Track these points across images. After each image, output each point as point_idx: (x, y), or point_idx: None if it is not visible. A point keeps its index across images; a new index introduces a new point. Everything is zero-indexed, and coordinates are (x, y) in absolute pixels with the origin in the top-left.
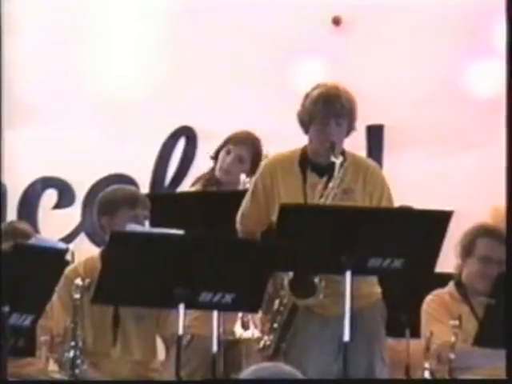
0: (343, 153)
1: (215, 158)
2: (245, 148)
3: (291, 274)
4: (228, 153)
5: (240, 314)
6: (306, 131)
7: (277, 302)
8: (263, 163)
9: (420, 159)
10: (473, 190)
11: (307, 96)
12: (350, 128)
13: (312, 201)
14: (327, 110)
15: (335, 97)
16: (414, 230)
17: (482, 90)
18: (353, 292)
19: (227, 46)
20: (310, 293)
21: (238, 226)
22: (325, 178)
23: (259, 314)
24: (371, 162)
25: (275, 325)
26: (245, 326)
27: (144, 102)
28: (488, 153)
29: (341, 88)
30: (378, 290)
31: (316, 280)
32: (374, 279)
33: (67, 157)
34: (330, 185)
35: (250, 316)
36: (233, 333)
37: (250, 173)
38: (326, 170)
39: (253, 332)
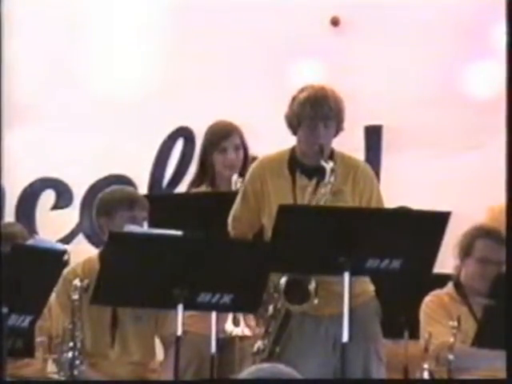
0: (332, 154)
1: (205, 162)
2: (236, 136)
3: (284, 280)
4: (224, 151)
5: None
6: (295, 133)
7: (271, 306)
8: (252, 166)
9: (418, 160)
10: (472, 190)
11: (294, 98)
12: (339, 129)
13: (302, 203)
14: (315, 113)
15: (323, 99)
16: (413, 230)
17: (480, 91)
18: (350, 292)
19: (225, 46)
20: (304, 299)
21: (229, 228)
22: (314, 181)
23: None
24: (360, 162)
25: (270, 329)
26: (236, 323)
27: (142, 103)
28: (487, 154)
29: (328, 90)
30: (370, 288)
31: (310, 287)
32: (366, 278)
33: (65, 157)
34: (322, 191)
35: (241, 314)
36: (223, 331)
37: (245, 160)
38: (315, 173)
39: (243, 329)
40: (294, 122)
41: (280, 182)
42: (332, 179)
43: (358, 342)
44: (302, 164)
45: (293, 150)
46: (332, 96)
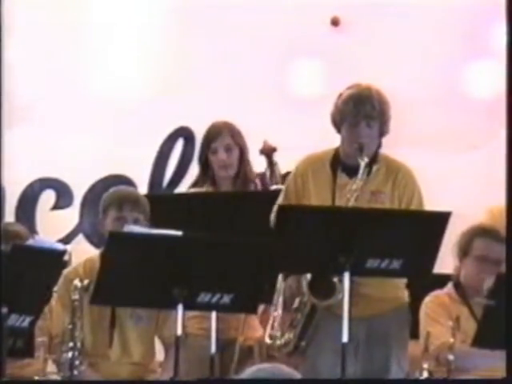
0: (376, 155)
1: (204, 164)
2: (226, 136)
3: (309, 275)
4: (215, 152)
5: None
6: (338, 131)
7: (297, 300)
8: (297, 164)
9: (419, 160)
10: (472, 190)
11: (340, 96)
12: (383, 131)
13: (340, 201)
14: (357, 111)
15: (366, 98)
16: (413, 230)
17: (481, 91)
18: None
19: (226, 46)
20: (329, 294)
21: (272, 224)
22: (354, 179)
23: (279, 312)
24: (403, 166)
25: (295, 323)
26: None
27: (142, 103)
28: (487, 154)
29: (373, 89)
30: (404, 294)
31: (335, 280)
32: (401, 283)
33: (65, 157)
34: (353, 187)
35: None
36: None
37: (241, 159)
38: (357, 171)
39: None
40: (338, 119)
41: (321, 181)
42: (365, 176)
43: (380, 347)
44: (344, 162)
45: (337, 149)
46: (376, 96)
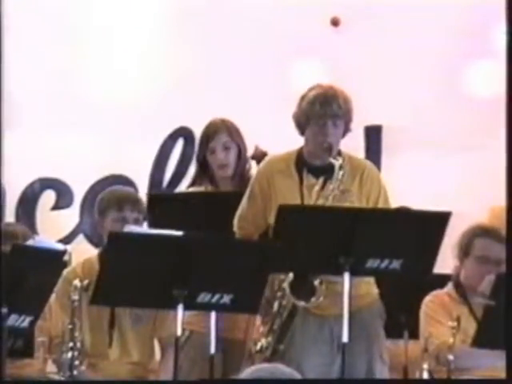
0: (339, 153)
1: (202, 163)
2: (223, 135)
3: (291, 276)
4: (213, 151)
5: None
6: (302, 132)
7: (276, 303)
8: (259, 166)
9: (418, 160)
10: (472, 190)
11: (303, 97)
12: (346, 129)
13: (309, 202)
14: (324, 111)
15: (332, 97)
16: (413, 230)
17: (481, 91)
18: (351, 292)
19: (225, 46)
20: (311, 295)
21: (235, 229)
22: (321, 179)
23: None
24: (367, 163)
25: (275, 327)
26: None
27: (142, 103)
28: (487, 154)
29: (337, 89)
30: (375, 289)
31: (316, 282)
32: (371, 279)
33: (65, 157)
34: (330, 187)
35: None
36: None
37: (239, 157)
38: (323, 171)
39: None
40: (303, 120)
41: (287, 182)
42: (341, 175)
43: (361, 344)
44: (309, 163)
45: (300, 151)
46: (341, 95)
